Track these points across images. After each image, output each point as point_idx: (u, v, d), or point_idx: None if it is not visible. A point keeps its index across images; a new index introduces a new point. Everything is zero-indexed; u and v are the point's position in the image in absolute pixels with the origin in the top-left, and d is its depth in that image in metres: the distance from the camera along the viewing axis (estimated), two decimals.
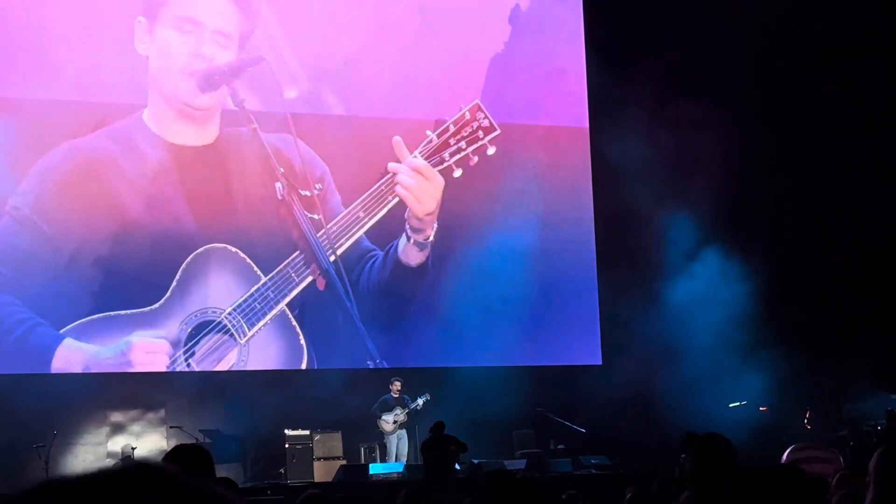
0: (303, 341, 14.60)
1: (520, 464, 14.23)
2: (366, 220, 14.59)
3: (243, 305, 14.26)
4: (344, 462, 14.33)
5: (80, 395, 13.86)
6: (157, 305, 14.06)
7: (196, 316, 14.19)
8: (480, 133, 14.73)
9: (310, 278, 14.46)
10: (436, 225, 15.00)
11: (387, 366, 14.83)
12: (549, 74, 16.39)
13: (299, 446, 14.32)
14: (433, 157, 14.67)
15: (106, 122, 14.09)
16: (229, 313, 14.22)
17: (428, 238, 14.98)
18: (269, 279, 14.35)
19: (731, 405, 15.54)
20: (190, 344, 14.07)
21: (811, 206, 16.49)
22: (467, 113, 14.78)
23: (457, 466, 13.07)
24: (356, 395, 14.61)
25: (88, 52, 14.15)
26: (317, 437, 14.42)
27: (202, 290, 14.29)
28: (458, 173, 14.71)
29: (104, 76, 14.16)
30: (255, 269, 14.41)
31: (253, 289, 14.32)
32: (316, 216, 14.47)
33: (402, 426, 14.82)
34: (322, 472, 14.18)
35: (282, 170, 14.39)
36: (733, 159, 15.90)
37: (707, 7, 15.85)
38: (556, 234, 16.14)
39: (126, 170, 14.10)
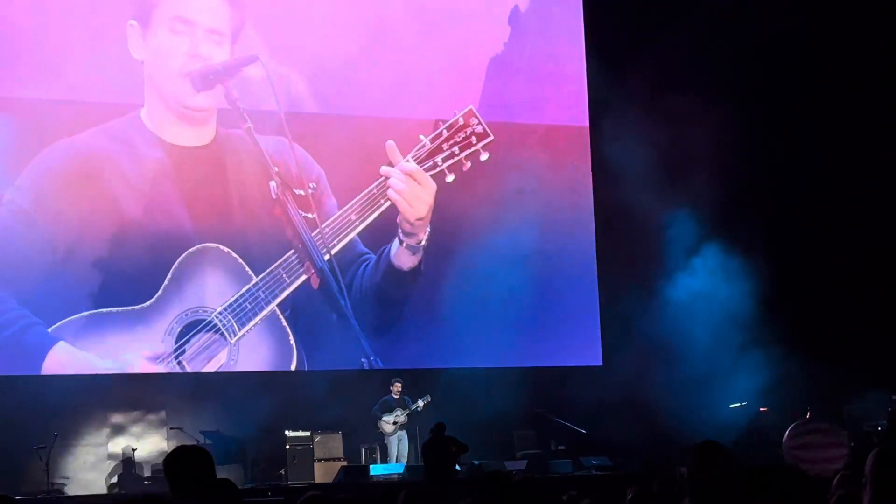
0: (293, 342, 14.63)
1: (520, 465, 14.23)
2: (357, 223, 14.60)
3: (234, 305, 14.29)
4: (344, 463, 14.33)
5: (80, 397, 13.85)
6: (148, 304, 14.08)
7: (187, 314, 14.21)
8: (474, 139, 14.74)
9: (303, 278, 14.47)
10: (428, 229, 15.00)
11: (381, 364, 14.82)
12: (548, 74, 16.39)
13: (300, 447, 14.33)
14: (426, 161, 14.68)
15: (104, 120, 14.11)
16: (220, 313, 14.25)
17: (420, 242, 14.98)
18: (261, 280, 14.38)
19: (731, 406, 15.55)
20: (181, 342, 14.10)
21: (812, 206, 16.49)
22: (461, 118, 14.79)
23: (457, 467, 13.07)
24: (356, 397, 14.61)
25: (87, 52, 14.13)
26: (317, 439, 14.43)
27: (194, 289, 14.32)
28: (450, 178, 14.72)
29: (102, 77, 14.15)
30: (247, 269, 14.45)
31: (244, 289, 14.35)
32: (310, 215, 14.48)
33: (402, 427, 14.83)
34: (323, 473, 14.19)
35: (276, 169, 14.41)
36: (733, 158, 15.91)
37: (706, 5, 15.86)
38: (556, 235, 16.14)
39: (123, 168, 14.12)
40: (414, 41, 15.62)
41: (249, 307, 14.30)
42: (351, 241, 14.70)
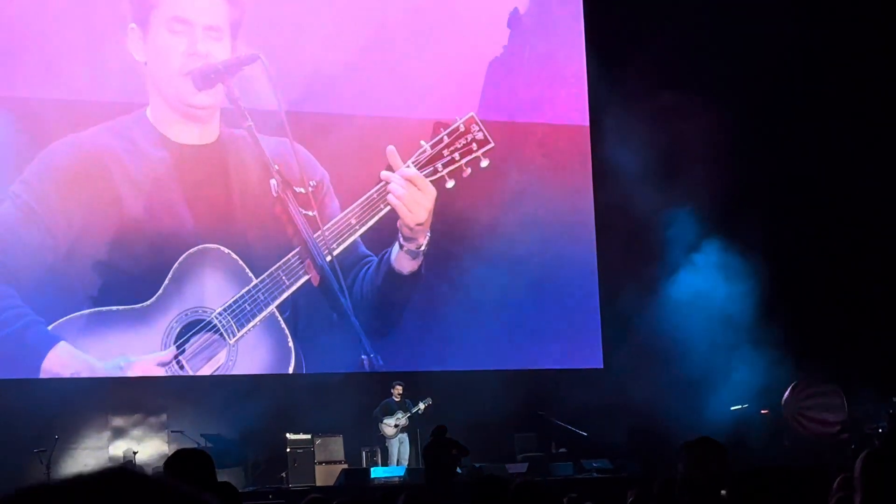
0: (291, 343, 14.65)
1: (521, 467, 14.24)
2: (358, 226, 14.62)
3: (233, 306, 14.32)
4: (345, 466, 14.34)
5: (81, 400, 13.86)
6: (148, 303, 14.12)
7: (187, 314, 14.25)
8: (474, 145, 14.76)
9: (303, 280, 14.49)
10: (429, 234, 15.02)
11: (381, 362, 14.82)
12: (548, 75, 16.41)
13: (301, 450, 14.33)
14: (426, 167, 14.70)
15: (109, 117, 14.18)
16: (219, 313, 14.28)
17: (420, 247, 15.00)
18: (260, 281, 14.42)
19: (732, 408, 15.54)
20: (180, 342, 14.12)
21: (813, 207, 16.46)
22: (462, 125, 14.81)
23: (458, 470, 13.07)
24: (357, 400, 14.62)
25: (92, 53, 14.21)
26: (318, 441, 14.43)
27: (194, 289, 14.36)
28: (450, 184, 14.74)
29: (108, 77, 14.24)
30: (247, 270, 14.49)
31: (243, 290, 14.38)
32: (311, 213, 14.50)
33: (403, 430, 14.83)
34: (323, 476, 14.18)
35: (276, 167, 14.44)
36: (734, 157, 15.91)
37: (706, 5, 15.87)
38: (557, 237, 16.15)
39: (127, 166, 14.19)
40: (415, 42, 15.64)
41: (249, 308, 14.33)
42: (353, 243, 14.72)
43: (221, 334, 14.27)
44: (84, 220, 14.00)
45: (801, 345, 15.19)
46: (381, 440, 14.83)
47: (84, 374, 13.81)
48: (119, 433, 14.38)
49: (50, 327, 13.71)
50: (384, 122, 15.30)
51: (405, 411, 14.79)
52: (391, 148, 14.71)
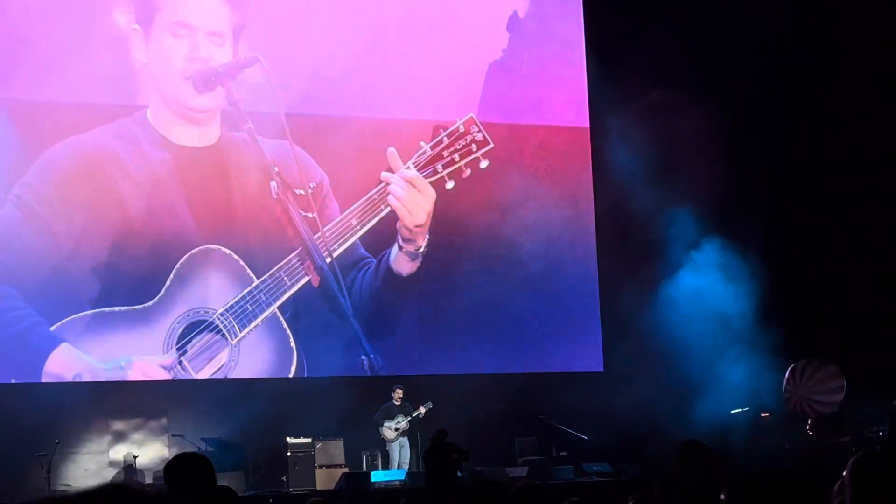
0: (293, 344, 14.68)
1: (522, 471, 14.23)
2: (358, 227, 14.66)
3: (235, 307, 14.35)
4: (346, 470, 14.33)
5: (81, 404, 13.87)
6: (150, 303, 14.15)
7: (189, 315, 14.27)
8: (474, 146, 14.79)
9: (304, 280, 14.52)
10: (428, 236, 15.04)
11: (381, 362, 14.81)
12: (548, 77, 16.42)
13: (301, 454, 14.33)
14: (426, 168, 14.73)
15: (111, 120, 14.20)
16: (221, 314, 14.31)
17: (419, 249, 15.03)
18: (262, 282, 14.45)
19: (733, 411, 15.53)
20: (182, 342, 14.14)
21: (813, 207, 16.43)
22: (461, 126, 14.84)
23: (459, 474, 13.06)
24: (358, 403, 14.61)
25: (95, 55, 14.22)
26: (319, 445, 14.42)
27: (196, 290, 14.39)
28: (450, 185, 14.77)
29: (110, 78, 14.28)
30: (249, 271, 14.52)
31: (245, 291, 14.40)
32: (310, 214, 14.52)
33: (404, 434, 14.83)
34: (324, 479, 14.18)
35: (276, 169, 14.46)
36: (734, 158, 15.92)
37: (706, 6, 15.87)
38: (557, 239, 16.15)
39: (128, 167, 14.24)
40: (414, 44, 15.67)
41: (250, 309, 14.36)
42: (352, 245, 14.74)
43: (223, 334, 14.30)
44: (85, 221, 14.04)
45: (801, 347, 15.18)
46: (382, 444, 14.83)
47: (86, 376, 13.82)
48: (119, 437, 14.38)
49: (52, 328, 13.75)
50: (383, 125, 15.33)
51: (406, 415, 14.79)
52: (391, 150, 14.75)
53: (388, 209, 14.72)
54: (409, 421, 14.78)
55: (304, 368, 14.72)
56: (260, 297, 14.41)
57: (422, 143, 14.83)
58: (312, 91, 15.08)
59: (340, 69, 15.21)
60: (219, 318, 14.31)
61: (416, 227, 14.90)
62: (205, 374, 14.32)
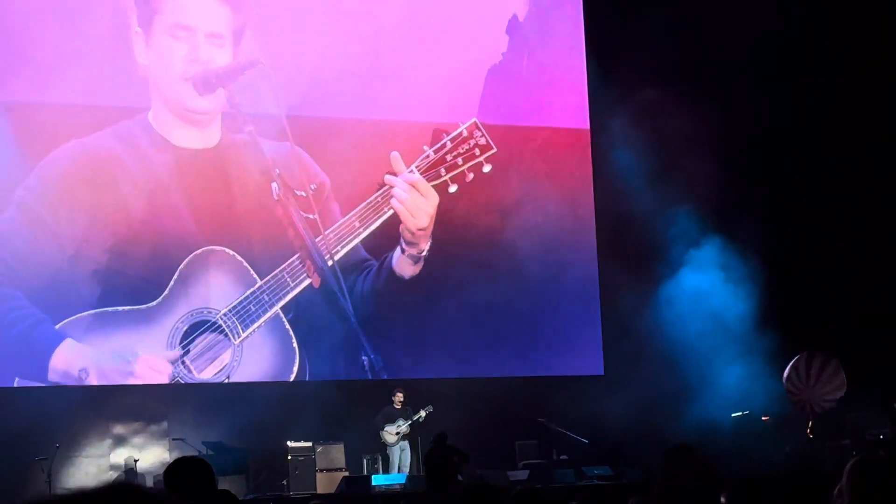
0: (295, 344, 14.69)
1: (522, 474, 14.22)
2: (361, 229, 14.68)
3: (238, 307, 14.37)
4: (346, 473, 14.31)
5: (81, 408, 13.86)
6: (154, 304, 14.17)
7: (192, 315, 14.30)
8: (477, 150, 14.80)
9: (306, 282, 14.53)
10: (430, 240, 15.06)
11: (381, 362, 14.82)
12: (548, 79, 16.43)
13: (302, 458, 14.32)
14: (429, 171, 14.75)
15: (113, 122, 14.23)
16: (224, 314, 14.33)
17: (422, 252, 15.05)
18: (265, 283, 14.47)
19: (733, 415, 15.52)
20: (185, 342, 14.16)
21: (813, 208, 16.42)
22: (465, 130, 14.85)
23: (459, 477, 13.06)
24: (358, 407, 14.61)
25: (97, 57, 14.24)
26: (319, 449, 14.42)
27: (199, 290, 14.42)
28: (453, 189, 14.79)
29: (112, 81, 14.29)
30: (252, 272, 14.55)
31: (248, 291, 14.42)
32: (311, 216, 14.54)
33: (404, 437, 14.82)
34: (325, 483, 14.17)
35: (277, 170, 14.49)
36: (734, 158, 15.92)
37: (707, 8, 15.87)
38: (558, 242, 16.15)
39: (130, 169, 14.27)
40: (414, 47, 15.68)
41: (253, 309, 14.39)
42: (354, 247, 14.76)
43: (227, 335, 14.33)
44: (88, 223, 14.08)
45: (801, 348, 15.16)
46: (383, 448, 14.83)
47: (92, 370, 13.82)
48: (120, 441, 14.38)
49: (56, 326, 13.78)
50: (384, 127, 15.35)
51: (406, 419, 14.79)
52: (395, 153, 14.77)
53: (391, 212, 14.74)
54: (409, 424, 14.78)
55: (306, 369, 14.74)
56: (263, 297, 14.45)
57: (425, 148, 14.85)
58: (313, 93, 15.09)
59: (341, 71, 15.22)
60: (222, 319, 14.35)
61: (419, 230, 14.92)
62: (208, 373, 14.33)
